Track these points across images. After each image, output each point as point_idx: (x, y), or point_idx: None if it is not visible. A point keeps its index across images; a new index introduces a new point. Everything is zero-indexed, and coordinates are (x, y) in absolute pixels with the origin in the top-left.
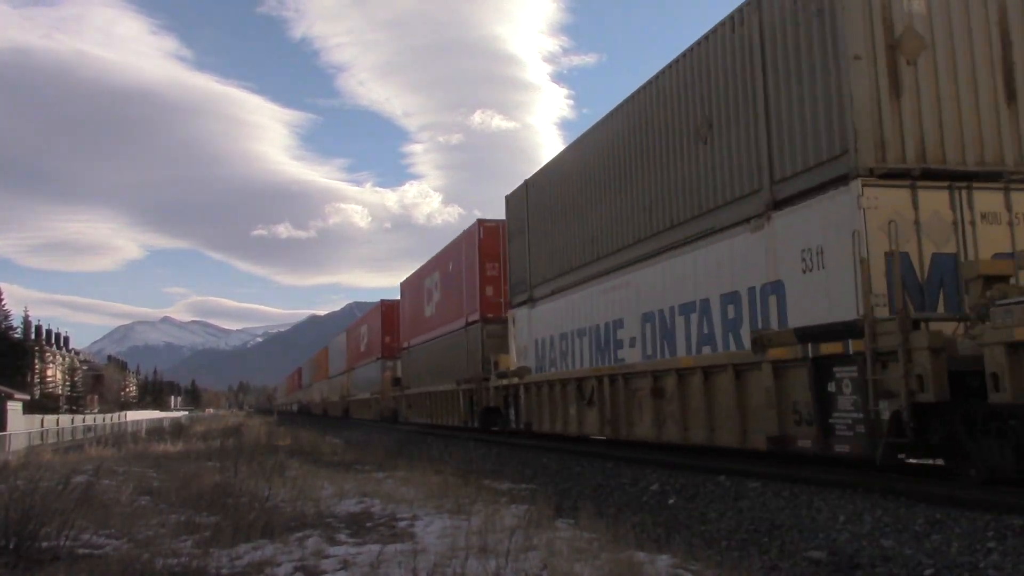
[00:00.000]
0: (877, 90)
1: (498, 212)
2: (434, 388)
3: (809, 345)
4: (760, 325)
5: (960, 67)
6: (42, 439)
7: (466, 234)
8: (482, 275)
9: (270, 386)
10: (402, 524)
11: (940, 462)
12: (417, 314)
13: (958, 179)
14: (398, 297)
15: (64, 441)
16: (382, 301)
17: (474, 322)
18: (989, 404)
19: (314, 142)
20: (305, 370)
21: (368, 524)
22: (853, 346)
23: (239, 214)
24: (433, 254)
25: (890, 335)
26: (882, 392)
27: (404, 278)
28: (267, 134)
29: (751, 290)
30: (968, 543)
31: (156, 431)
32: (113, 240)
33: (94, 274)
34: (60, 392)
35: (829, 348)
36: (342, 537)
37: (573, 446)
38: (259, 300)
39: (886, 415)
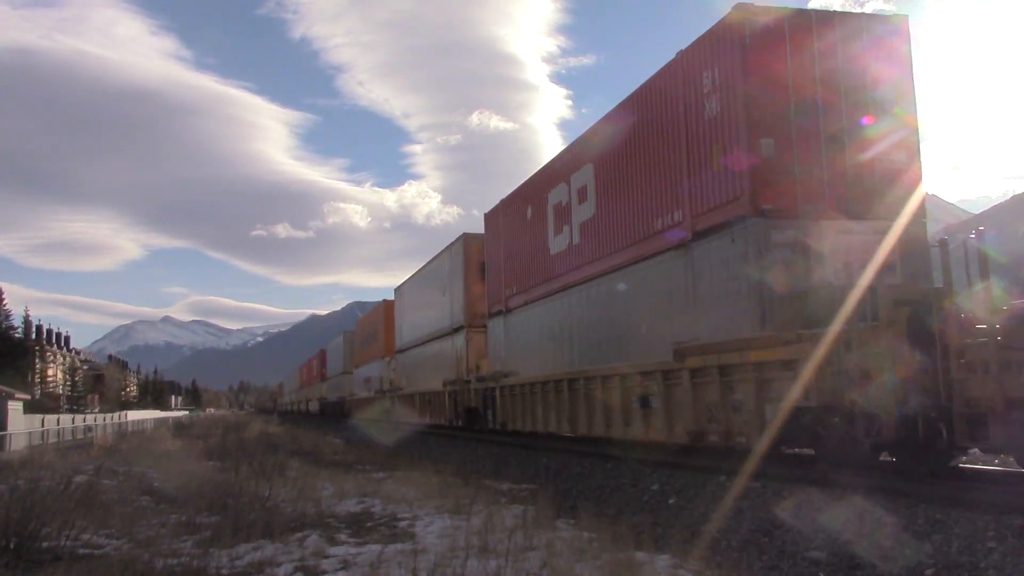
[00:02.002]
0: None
1: None
2: None
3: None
4: None
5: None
6: (43, 439)
7: None
8: None
9: (272, 384)
10: (402, 524)
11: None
12: None
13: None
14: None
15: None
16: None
17: None
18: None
19: (314, 142)
20: (334, 353)
21: (368, 524)
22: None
23: (239, 214)
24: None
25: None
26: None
27: None
28: (267, 134)
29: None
30: (968, 543)
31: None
32: (113, 240)
33: (95, 274)
34: (61, 392)
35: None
36: (342, 537)
37: (572, 446)
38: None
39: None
